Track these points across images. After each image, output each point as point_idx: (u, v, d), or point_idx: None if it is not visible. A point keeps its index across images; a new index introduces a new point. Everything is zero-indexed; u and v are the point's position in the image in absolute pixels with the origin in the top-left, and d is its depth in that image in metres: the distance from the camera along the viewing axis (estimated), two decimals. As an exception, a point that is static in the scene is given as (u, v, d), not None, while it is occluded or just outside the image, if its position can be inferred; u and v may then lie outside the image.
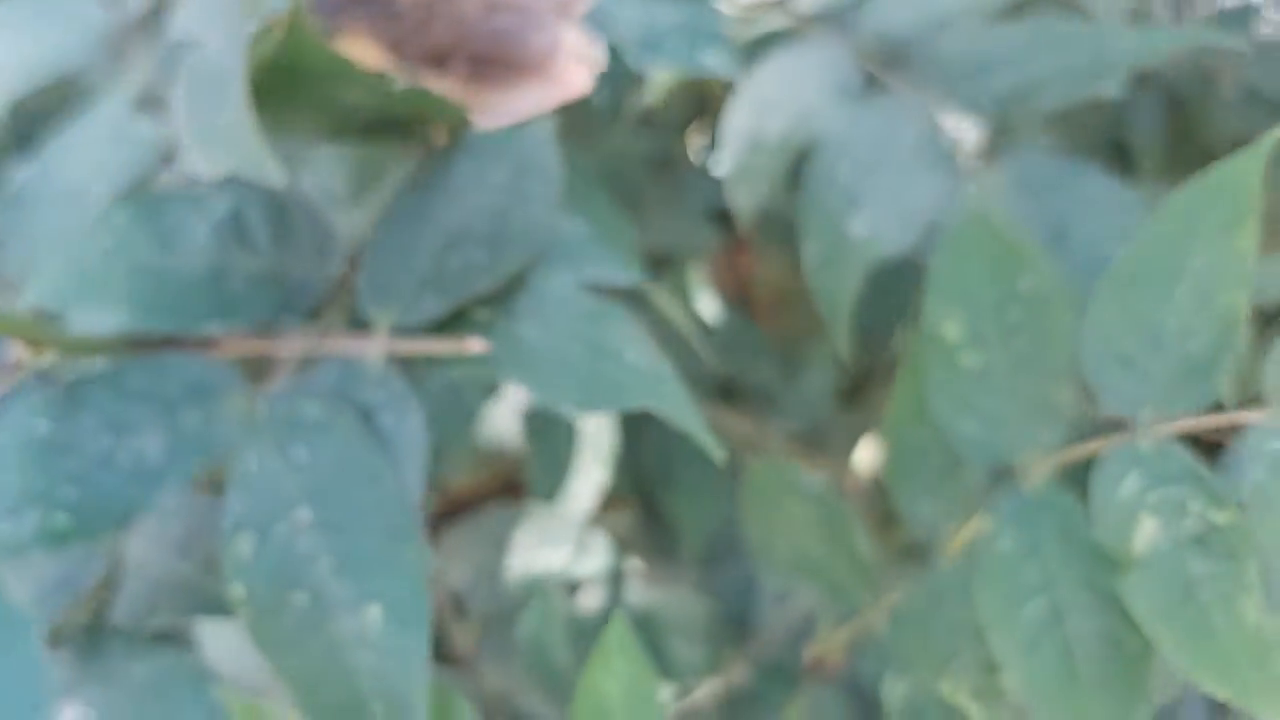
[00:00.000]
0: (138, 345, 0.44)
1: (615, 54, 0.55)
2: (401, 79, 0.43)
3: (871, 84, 0.70)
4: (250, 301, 0.46)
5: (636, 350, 0.44)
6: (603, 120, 0.93)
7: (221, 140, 0.41)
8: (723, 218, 1.03)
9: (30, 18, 0.67)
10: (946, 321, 0.48)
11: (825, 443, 0.91)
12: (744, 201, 0.63)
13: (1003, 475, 0.47)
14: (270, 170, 0.38)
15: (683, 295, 0.83)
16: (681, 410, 0.42)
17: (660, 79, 0.75)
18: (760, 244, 1.05)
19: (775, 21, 0.72)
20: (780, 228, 1.05)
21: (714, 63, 0.54)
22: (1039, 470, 0.46)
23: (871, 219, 0.59)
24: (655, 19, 0.55)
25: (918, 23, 0.67)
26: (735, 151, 0.64)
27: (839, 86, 0.66)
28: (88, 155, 0.57)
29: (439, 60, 0.48)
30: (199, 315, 0.45)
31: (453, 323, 0.45)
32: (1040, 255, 0.47)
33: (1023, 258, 0.46)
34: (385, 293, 0.45)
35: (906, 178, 0.61)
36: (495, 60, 0.49)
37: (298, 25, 0.37)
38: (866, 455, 0.94)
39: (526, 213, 0.47)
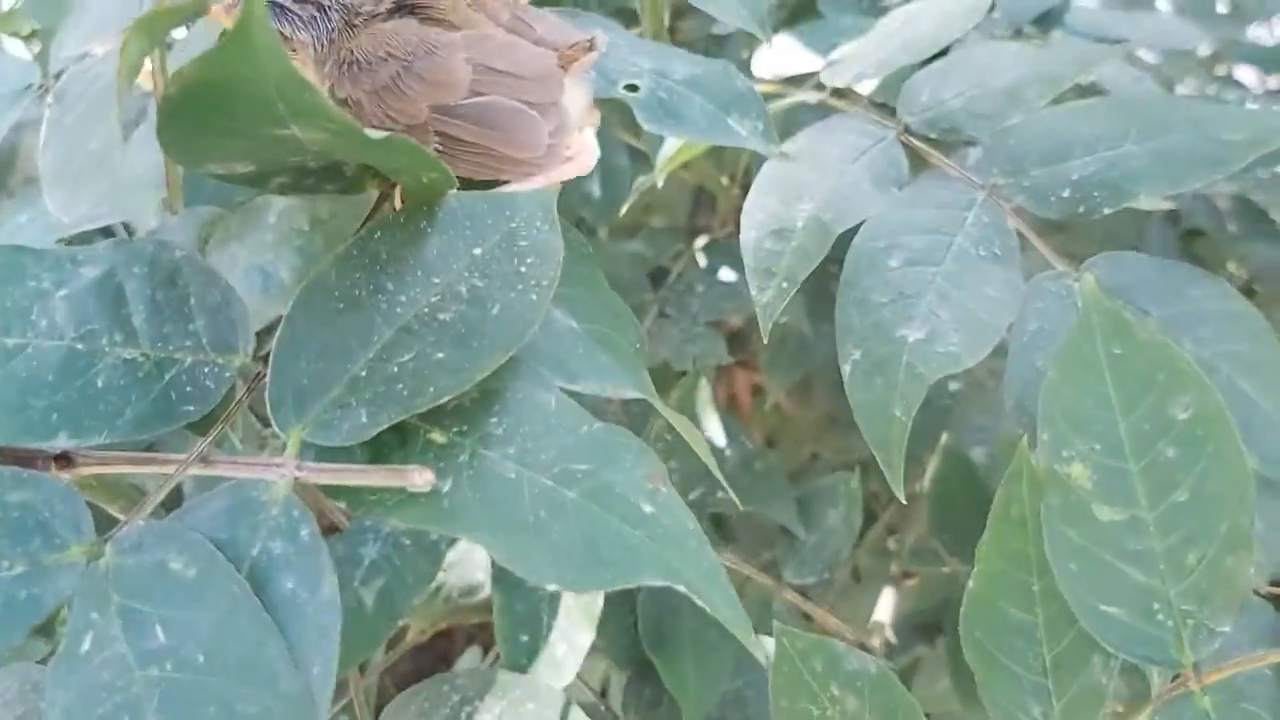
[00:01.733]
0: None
1: (608, 128, 0.44)
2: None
3: (919, 163, 0.60)
4: (117, 404, 0.34)
5: (653, 499, 0.31)
6: (597, 214, 0.82)
7: (87, 167, 0.29)
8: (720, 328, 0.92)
9: None
10: (1072, 461, 0.35)
11: (845, 592, 0.78)
12: (766, 298, 0.50)
13: (1161, 674, 0.34)
14: (143, 207, 0.26)
15: (691, 416, 0.71)
16: (713, 586, 0.29)
17: (662, 161, 0.64)
18: (769, 356, 0.94)
19: (804, 95, 0.61)
20: (792, 336, 0.94)
21: (746, 131, 0.43)
22: (1214, 677, 0.33)
23: (931, 325, 0.48)
24: (674, 76, 0.44)
25: (974, 97, 0.56)
26: (757, 239, 0.52)
27: (882, 167, 0.55)
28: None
29: (408, 122, 0.38)
30: (43, 422, 0.33)
31: (393, 444, 0.32)
32: (1198, 372, 0.35)
33: (1179, 373, 0.34)
34: (301, 397, 0.32)
35: (972, 276, 0.49)
36: (480, 132, 0.39)
37: (256, 27, 0.25)
38: (888, 609, 0.81)
39: (511, 299, 0.34)
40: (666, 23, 0.66)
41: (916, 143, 0.56)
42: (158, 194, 0.26)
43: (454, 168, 0.40)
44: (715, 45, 0.92)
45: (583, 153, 0.41)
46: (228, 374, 0.35)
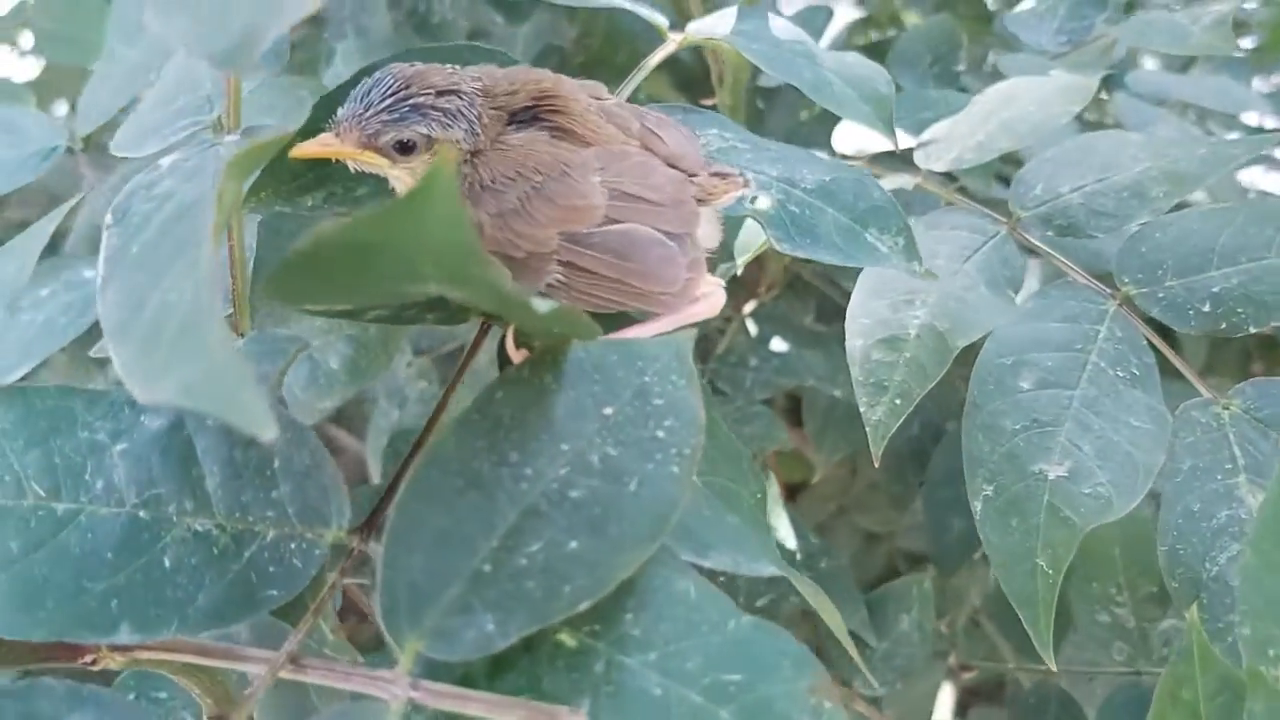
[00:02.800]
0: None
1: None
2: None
3: (1033, 259, 0.55)
4: (188, 588, 0.28)
5: (817, 716, 0.26)
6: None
7: (166, 328, 0.24)
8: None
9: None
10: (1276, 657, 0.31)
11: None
12: (877, 415, 0.46)
13: None
14: (260, 419, 0.21)
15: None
16: None
17: (742, 249, 0.60)
18: (817, 425, 0.88)
19: (899, 181, 0.57)
20: (841, 406, 0.89)
21: (886, 247, 0.38)
22: None
23: (1074, 460, 0.43)
24: (803, 186, 0.39)
25: (1094, 192, 0.52)
26: (864, 348, 0.47)
27: (996, 267, 0.50)
28: None
29: (532, 249, 0.34)
30: (101, 610, 0.28)
31: (517, 648, 0.27)
32: None
33: None
34: (416, 598, 0.27)
35: (1113, 401, 0.44)
36: (615, 264, 0.35)
37: (441, 196, 0.21)
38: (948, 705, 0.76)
39: (649, 472, 0.29)
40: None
41: (1031, 240, 0.51)
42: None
43: (576, 300, 0.35)
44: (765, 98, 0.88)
45: (713, 294, 0.38)
46: (318, 551, 0.30)
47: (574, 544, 0.28)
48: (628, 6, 0.46)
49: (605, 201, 0.34)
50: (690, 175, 0.37)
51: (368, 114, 0.34)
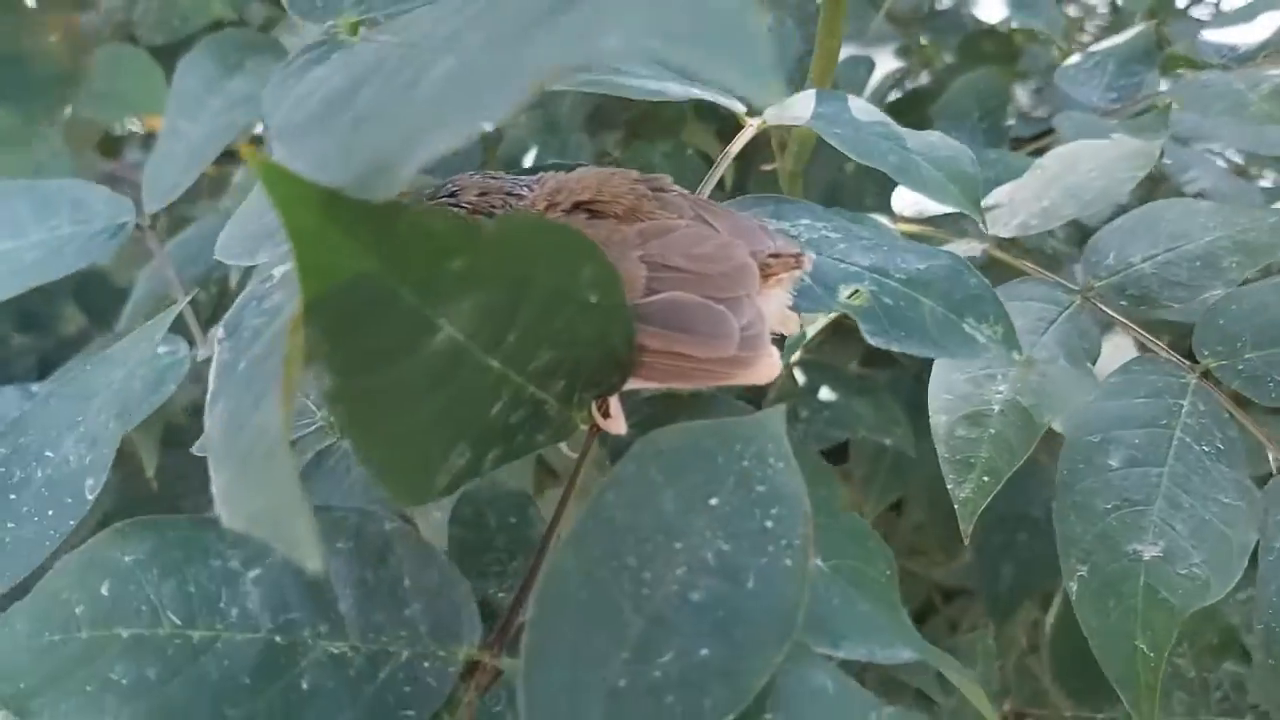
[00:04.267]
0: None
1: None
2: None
3: (1110, 332, 0.55)
4: (328, 710, 0.29)
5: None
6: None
7: (253, 452, 0.24)
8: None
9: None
10: None
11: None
12: (965, 493, 0.46)
13: None
14: (309, 551, 0.21)
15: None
16: None
17: (792, 346, 0.60)
18: (865, 471, 0.88)
19: (968, 249, 0.57)
20: (889, 452, 0.89)
21: (985, 337, 0.38)
22: None
23: (1167, 539, 0.43)
24: (897, 276, 0.39)
25: (1166, 261, 0.52)
26: (949, 425, 0.47)
27: (1074, 338, 0.50)
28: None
29: None
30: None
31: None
32: None
33: None
34: (561, 725, 0.27)
35: (1201, 478, 0.44)
36: (664, 334, 0.34)
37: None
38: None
39: (764, 567, 0.29)
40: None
41: (1107, 310, 0.52)
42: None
43: (647, 379, 0.35)
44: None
45: (768, 361, 0.36)
46: (451, 668, 0.30)
47: (705, 651, 0.28)
48: (706, 97, 0.46)
49: (645, 274, 0.34)
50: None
51: None
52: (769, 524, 0.30)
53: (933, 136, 0.46)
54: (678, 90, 0.46)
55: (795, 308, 0.37)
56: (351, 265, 0.24)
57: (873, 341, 0.37)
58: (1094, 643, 0.42)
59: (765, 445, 0.31)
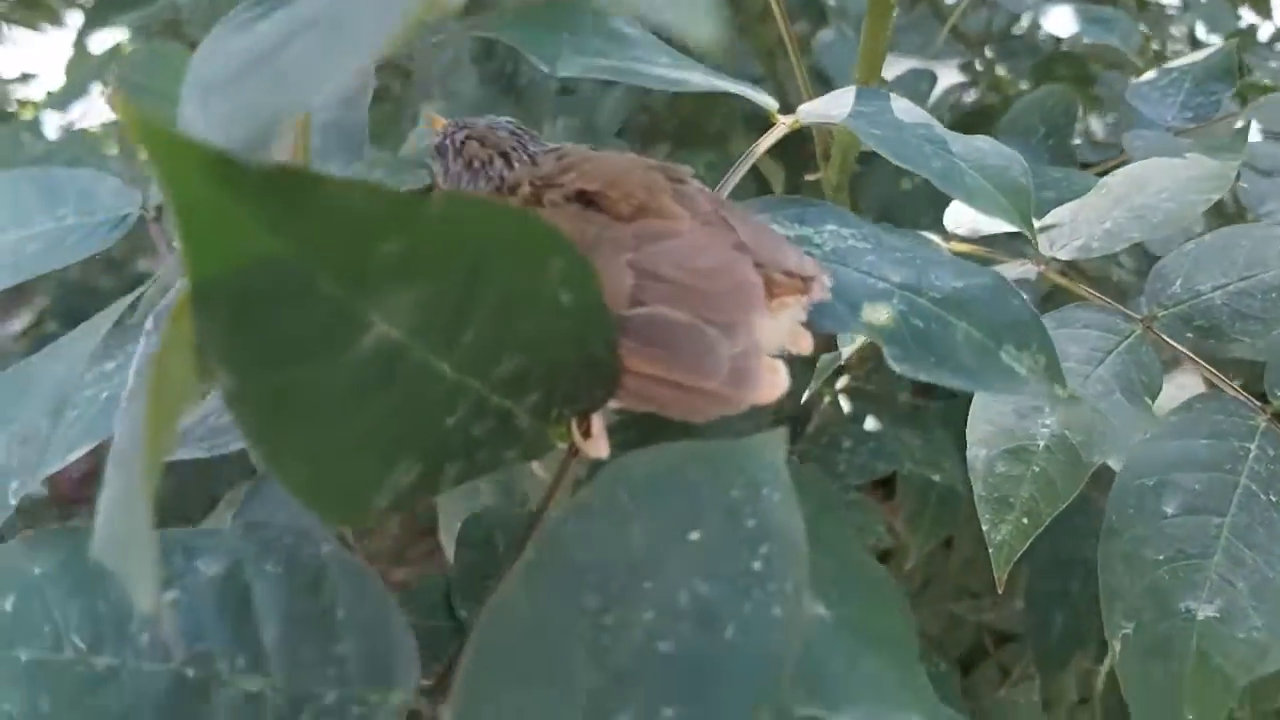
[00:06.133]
0: None
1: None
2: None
3: (1175, 368, 0.50)
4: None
5: None
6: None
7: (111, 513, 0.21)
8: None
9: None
10: None
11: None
12: (1001, 536, 0.41)
13: None
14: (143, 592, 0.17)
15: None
16: None
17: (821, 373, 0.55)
18: (910, 510, 0.83)
19: (1021, 270, 0.52)
20: (935, 490, 0.84)
21: (1025, 368, 0.34)
22: None
23: (1225, 598, 0.38)
24: (931, 295, 0.35)
25: (1238, 292, 0.47)
26: (988, 460, 0.43)
27: (1133, 372, 0.45)
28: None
29: None
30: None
31: None
32: None
33: None
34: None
35: (1267, 532, 0.39)
36: (642, 352, 0.30)
37: None
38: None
39: (748, 616, 0.25)
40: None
41: (1170, 342, 0.47)
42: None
43: (624, 401, 0.31)
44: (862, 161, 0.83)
45: (770, 378, 0.31)
46: (381, 716, 0.26)
47: (669, 712, 0.24)
48: (730, 89, 0.42)
49: (632, 281, 0.30)
50: (756, 265, 0.31)
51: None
52: (757, 565, 0.25)
53: (983, 143, 0.42)
54: (700, 80, 0.42)
55: (810, 325, 0.33)
56: (254, 246, 0.20)
57: (897, 368, 0.33)
58: (1135, 709, 0.37)
59: (760, 473, 0.27)
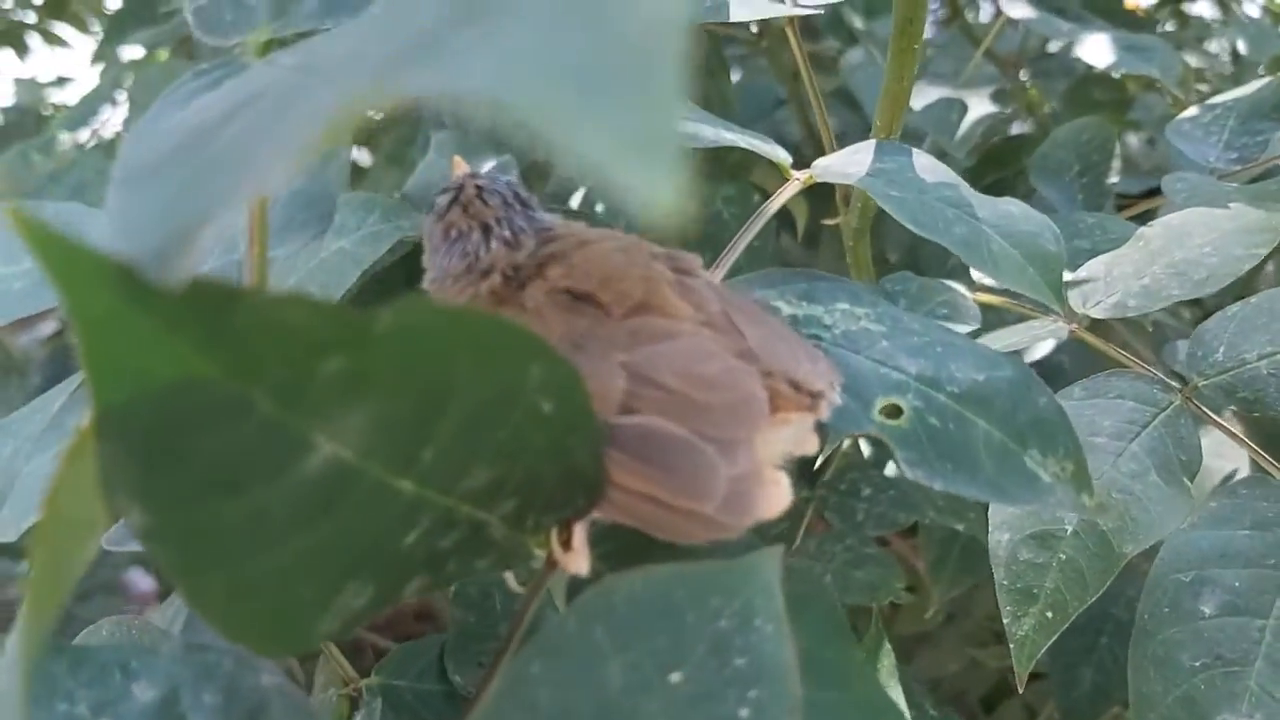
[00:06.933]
0: None
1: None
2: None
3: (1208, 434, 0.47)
4: None
5: None
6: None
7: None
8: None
9: None
10: None
11: None
12: (1023, 630, 0.39)
13: None
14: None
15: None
16: None
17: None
18: (933, 558, 0.80)
19: (1050, 329, 0.49)
20: (958, 540, 0.81)
21: (1050, 475, 0.31)
22: None
23: (1266, 713, 0.35)
24: (950, 388, 0.32)
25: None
26: (1011, 546, 0.40)
27: (1170, 449, 0.42)
28: None
29: None
30: None
31: None
32: None
33: None
34: None
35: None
36: (631, 466, 0.27)
37: None
38: None
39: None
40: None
41: (1212, 416, 0.44)
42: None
43: (608, 514, 0.28)
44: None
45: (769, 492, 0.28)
46: None
47: None
48: (745, 144, 0.40)
49: (624, 386, 0.27)
50: (764, 374, 0.28)
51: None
52: (744, 712, 0.23)
53: (1013, 207, 0.39)
54: (711, 135, 0.40)
55: (820, 427, 0.30)
56: (172, 367, 0.18)
57: (911, 475, 0.30)
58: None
59: (752, 600, 0.24)
